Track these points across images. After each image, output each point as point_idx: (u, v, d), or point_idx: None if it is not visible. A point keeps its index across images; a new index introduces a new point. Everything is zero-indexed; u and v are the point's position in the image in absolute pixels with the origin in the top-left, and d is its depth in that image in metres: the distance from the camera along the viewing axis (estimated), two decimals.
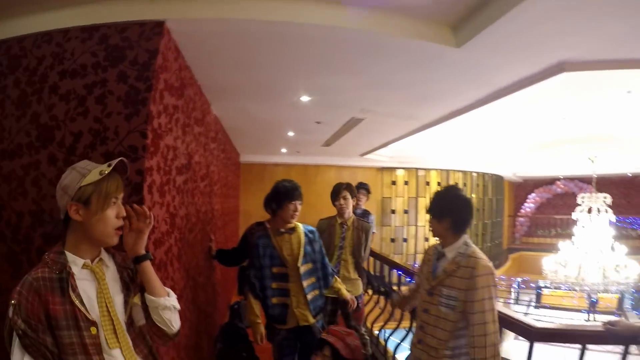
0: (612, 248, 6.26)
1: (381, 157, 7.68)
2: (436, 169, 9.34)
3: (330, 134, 5.02)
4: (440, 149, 7.07)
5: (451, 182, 9.60)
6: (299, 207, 2.42)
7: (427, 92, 3.06)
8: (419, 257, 9.27)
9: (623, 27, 1.93)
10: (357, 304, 3.10)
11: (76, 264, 1.11)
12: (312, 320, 2.44)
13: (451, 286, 1.80)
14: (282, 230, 2.44)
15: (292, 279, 2.42)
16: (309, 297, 2.42)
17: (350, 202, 3.25)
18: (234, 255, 3.15)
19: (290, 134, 5.05)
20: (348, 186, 3.28)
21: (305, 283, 2.42)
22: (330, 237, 3.20)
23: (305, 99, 3.23)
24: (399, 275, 3.88)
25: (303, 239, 2.47)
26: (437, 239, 1.94)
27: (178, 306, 1.30)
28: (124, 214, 1.17)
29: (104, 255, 1.19)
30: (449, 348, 1.85)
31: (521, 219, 14.54)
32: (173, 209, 2.17)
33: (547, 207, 14.10)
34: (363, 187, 4.45)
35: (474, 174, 10.31)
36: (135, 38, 1.74)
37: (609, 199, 6.42)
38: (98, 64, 1.71)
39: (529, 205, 14.60)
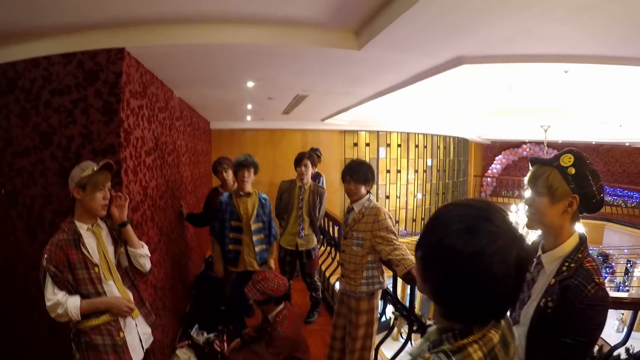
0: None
1: (343, 121, 8.16)
2: (397, 132, 9.90)
3: (285, 106, 5.63)
4: (399, 113, 7.52)
5: (411, 143, 10.23)
6: (246, 175, 3.12)
7: (348, 79, 3.67)
8: None
9: (508, 28, 2.22)
10: (311, 255, 3.82)
11: (83, 228, 1.84)
12: (256, 267, 3.23)
13: (358, 230, 2.51)
14: (241, 193, 3.18)
15: (245, 232, 3.18)
16: (257, 249, 3.21)
17: (310, 170, 3.80)
18: (201, 218, 3.91)
19: (249, 106, 5.65)
20: (310, 156, 3.83)
21: (255, 238, 3.20)
22: (289, 198, 3.81)
23: (250, 84, 3.85)
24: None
25: (257, 202, 3.23)
26: (349, 196, 2.59)
27: (149, 254, 2.07)
28: (108, 197, 1.88)
29: (99, 221, 1.93)
30: (364, 277, 2.54)
31: (488, 179, 15.32)
32: (145, 183, 2.87)
33: (514, 169, 15.01)
34: (315, 152, 5.14)
35: (435, 136, 10.81)
36: (104, 62, 2.35)
37: None
38: (79, 84, 2.33)
39: (495, 167, 15.36)
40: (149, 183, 2.98)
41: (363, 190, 2.54)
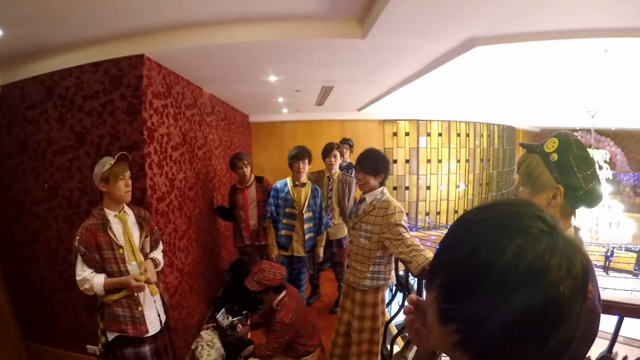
0: (609, 207, 6.12)
1: (381, 111, 8.01)
2: (437, 120, 9.56)
3: (315, 97, 5.74)
4: (439, 101, 7.24)
5: (452, 132, 9.82)
6: (301, 166, 3.32)
7: (365, 68, 3.70)
8: (421, 205, 9.74)
9: (516, 4, 2.14)
10: (342, 244, 3.91)
11: (110, 214, 2.09)
12: (303, 253, 3.44)
13: (367, 222, 2.43)
14: (297, 183, 3.40)
15: (298, 219, 3.39)
16: (306, 237, 3.41)
17: (339, 160, 3.91)
18: (227, 212, 4.12)
19: (280, 99, 5.82)
20: (338, 147, 3.97)
21: (305, 226, 3.40)
22: (319, 188, 3.87)
23: (273, 78, 3.99)
24: None
25: (309, 193, 3.42)
26: (364, 189, 2.48)
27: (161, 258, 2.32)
28: (130, 183, 2.11)
29: (126, 209, 2.18)
30: (369, 272, 2.45)
31: None
32: (171, 175, 3.13)
33: None
34: (346, 142, 5.19)
35: (478, 124, 10.29)
36: (126, 68, 2.61)
37: (607, 156, 6.23)
38: (106, 89, 2.62)
39: None
40: (177, 175, 3.24)
41: (372, 181, 2.44)
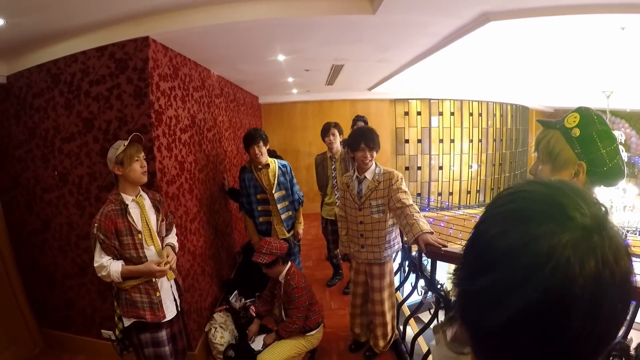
0: (624, 190, 6.05)
1: (392, 90, 7.86)
2: (449, 99, 9.40)
3: (325, 77, 5.63)
4: (450, 80, 7.08)
5: (465, 111, 9.63)
6: (257, 151, 3.21)
7: (376, 45, 3.58)
8: (433, 185, 9.65)
9: None
10: None
11: (128, 199, 2.08)
12: (287, 234, 3.39)
13: (377, 197, 2.51)
14: (260, 166, 3.31)
15: (271, 202, 3.34)
16: (283, 216, 3.35)
17: (338, 138, 3.85)
18: (237, 194, 4.12)
19: (290, 79, 5.72)
20: (336, 125, 3.89)
21: (279, 205, 3.34)
22: (324, 170, 3.94)
23: (281, 57, 3.91)
24: None
25: (277, 171, 3.34)
26: (364, 165, 2.53)
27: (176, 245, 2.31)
28: (145, 164, 2.09)
29: (142, 193, 2.17)
30: (387, 241, 2.57)
31: None
32: (181, 158, 3.11)
33: None
34: (361, 119, 5.03)
35: (491, 104, 10.10)
36: (132, 51, 2.56)
37: (622, 137, 6.22)
38: (112, 73, 2.57)
39: None
40: (186, 158, 3.22)
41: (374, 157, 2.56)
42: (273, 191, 3.30)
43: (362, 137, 2.52)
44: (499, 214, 0.48)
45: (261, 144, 3.23)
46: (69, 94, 2.67)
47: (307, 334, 2.72)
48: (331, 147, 3.84)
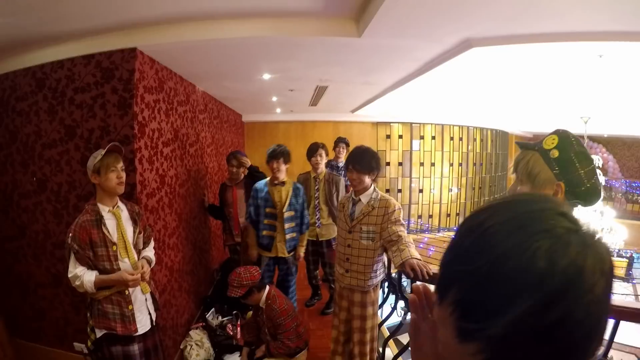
0: (602, 213, 6.16)
1: (374, 113, 8.04)
2: (431, 123, 9.59)
3: (309, 97, 5.72)
4: (432, 104, 7.25)
5: (446, 135, 9.84)
6: (275, 165, 3.23)
7: (361, 67, 3.68)
8: (413, 208, 9.72)
9: (513, 7, 2.16)
10: (331, 245, 3.85)
11: (104, 210, 2.04)
12: (287, 254, 3.35)
13: (369, 223, 2.38)
14: (276, 182, 3.31)
15: (279, 219, 3.30)
16: (288, 237, 3.31)
17: (324, 159, 3.88)
18: (218, 211, 4.08)
19: (274, 99, 5.79)
20: (323, 146, 3.93)
21: (286, 225, 3.30)
22: (306, 189, 3.84)
23: (267, 77, 3.97)
24: None
25: (290, 191, 3.33)
26: (352, 187, 2.45)
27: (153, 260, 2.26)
28: (122, 176, 2.06)
29: (120, 204, 2.13)
30: (373, 270, 2.44)
31: None
32: (162, 172, 3.08)
33: None
34: (342, 141, 5.09)
35: (472, 128, 10.34)
36: (118, 61, 2.56)
37: (599, 162, 6.34)
38: (97, 82, 2.57)
39: None
40: (167, 172, 3.19)
41: (367, 180, 2.40)
42: (283, 210, 3.28)
43: (352, 158, 2.45)
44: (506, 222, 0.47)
45: (281, 160, 3.25)
46: (53, 99, 2.65)
47: (295, 357, 2.66)
48: (317, 167, 3.86)
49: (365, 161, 2.38)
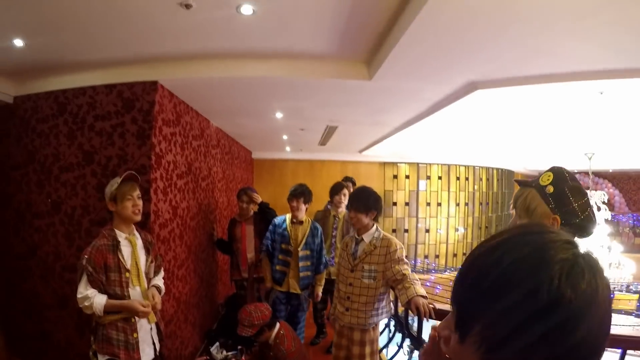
0: (609, 248, 6.18)
1: (382, 153, 8.16)
2: (437, 163, 9.69)
3: (319, 137, 5.85)
4: (438, 145, 7.38)
5: (452, 175, 9.92)
6: (295, 204, 3.26)
7: (371, 108, 3.81)
8: (420, 248, 9.63)
9: (514, 51, 2.28)
10: None
11: (121, 236, 2.07)
12: (299, 291, 3.31)
13: (370, 262, 2.38)
14: (295, 220, 3.33)
15: (293, 256, 3.29)
16: (301, 275, 3.29)
17: (347, 199, 3.84)
18: (227, 246, 4.07)
19: (285, 137, 5.93)
20: (347, 186, 3.97)
21: (301, 264, 3.29)
22: (324, 227, 3.85)
23: (279, 115, 4.11)
24: None
25: (308, 231, 3.34)
26: (357, 227, 2.46)
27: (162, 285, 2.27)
28: (139, 204, 2.09)
29: (135, 233, 2.16)
30: (374, 309, 2.42)
31: None
32: (175, 203, 3.13)
33: None
34: (349, 181, 5.19)
35: (477, 168, 10.43)
36: (140, 92, 2.69)
37: (605, 197, 6.36)
38: (118, 111, 2.68)
39: None
40: (179, 204, 3.24)
41: (365, 219, 2.41)
42: (299, 248, 3.28)
43: (351, 197, 2.49)
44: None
45: (302, 200, 3.29)
46: (73, 124, 2.75)
47: None
48: (339, 205, 3.88)
49: (359, 200, 2.41)
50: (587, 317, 0.45)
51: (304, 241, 3.29)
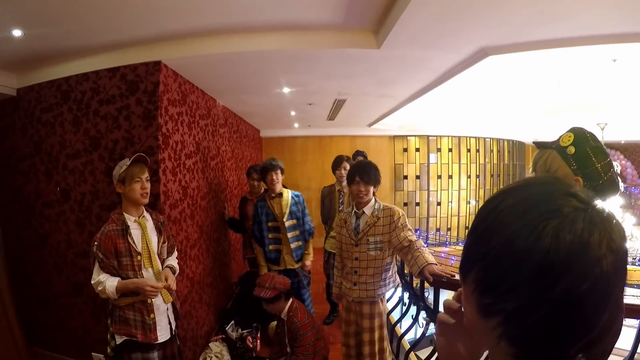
0: (621, 220, 6.20)
1: (391, 127, 8.02)
2: (447, 136, 9.52)
3: (327, 111, 5.75)
4: (448, 116, 7.21)
5: (463, 148, 9.76)
6: (274, 177, 3.24)
7: (379, 79, 3.70)
8: (431, 221, 9.61)
9: (525, 14, 2.18)
10: None
11: (130, 220, 2.06)
12: (295, 265, 3.32)
13: (375, 234, 2.38)
14: (273, 195, 3.32)
15: (282, 231, 3.30)
16: (293, 246, 3.30)
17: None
18: (238, 224, 4.11)
19: (293, 113, 5.84)
20: (348, 158, 3.91)
21: (290, 235, 3.30)
22: (330, 203, 3.89)
23: (286, 90, 4.02)
24: None
25: (289, 200, 3.34)
26: (359, 199, 2.43)
27: (176, 265, 2.27)
28: (147, 186, 2.08)
29: (145, 214, 2.15)
30: (382, 279, 2.44)
31: None
32: (185, 183, 3.11)
33: None
34: (360, 154, 5.11)
35: (488, 140, 10.23)
36: (143, 74, 2.63)
37: (618, 169, 6.24)
38: (122, 94, 2.63)
39: None
40: (189, 183, 3.23)
41: (371, 192, 2.43)
42: (284, 219, 3.28)
43: (357, 171, 2.44)
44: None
45: (279, 172, 3.28)
46: (78, 111, 2.72)
47: None
48: (341, 180, 3.82)
49: (369, 173, 2.42)
50: (572, 273, 0.42)
51: (287, 211, 3.29)
